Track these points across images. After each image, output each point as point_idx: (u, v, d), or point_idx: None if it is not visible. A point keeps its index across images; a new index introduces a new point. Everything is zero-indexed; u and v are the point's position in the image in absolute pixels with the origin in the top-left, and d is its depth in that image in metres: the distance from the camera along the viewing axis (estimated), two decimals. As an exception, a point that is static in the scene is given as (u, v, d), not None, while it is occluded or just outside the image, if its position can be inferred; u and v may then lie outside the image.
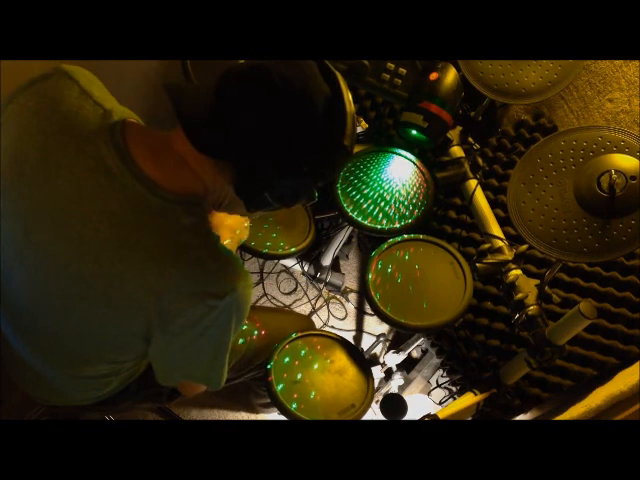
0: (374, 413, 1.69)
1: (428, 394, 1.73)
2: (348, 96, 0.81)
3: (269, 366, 1.33)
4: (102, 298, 0.82)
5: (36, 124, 0.81)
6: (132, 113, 0.87)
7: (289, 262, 1.91)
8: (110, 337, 0.88)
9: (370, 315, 2.00)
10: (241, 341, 1.29)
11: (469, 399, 1.39)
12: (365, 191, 1.49)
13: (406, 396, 1.57)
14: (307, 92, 0.77)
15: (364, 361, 1.44)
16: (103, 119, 0.81)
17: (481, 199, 1.45)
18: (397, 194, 1.48)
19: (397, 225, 1.44)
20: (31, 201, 0.81)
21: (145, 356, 0.92)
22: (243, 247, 1.42)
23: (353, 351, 1.44)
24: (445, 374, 1.68)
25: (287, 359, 1.36)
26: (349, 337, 1.96)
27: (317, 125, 0.78)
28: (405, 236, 1.43)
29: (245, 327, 1.32)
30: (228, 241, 1.15)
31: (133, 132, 0.81)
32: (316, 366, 1.38)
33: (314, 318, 1.97)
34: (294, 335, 1.40)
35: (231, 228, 1.18)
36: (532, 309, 1.22)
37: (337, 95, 0.80)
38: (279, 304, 1.99)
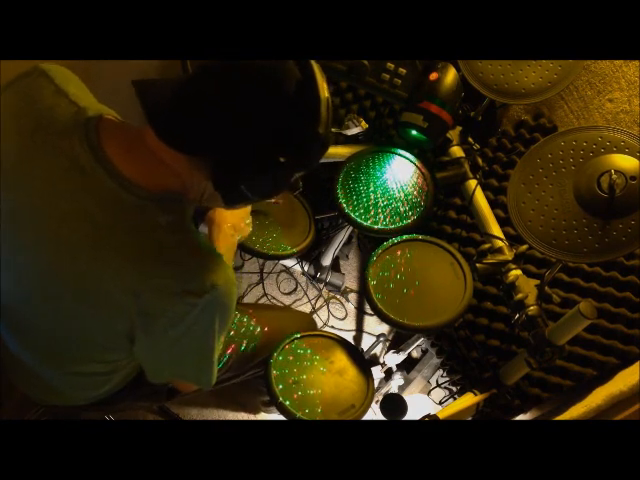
0: (374, 413, 1.69)
1: (428, 394, 1.73)
2: (322, 82, 0.79)
3: (269, 366, 1.33)
4: (82, 298, 0.81)
5: (13, 124, 0.81)
6: (110, 110, 0.86)
7: (289, 262, 1.91)
8: (95, 336, 0.87)
9: (370, 315, 2.00)
10: (245, 343, 1.29)
11: (469, 399, 1.39)
12: (365, 191, 1.49)
13: (406, 396, 1.57)
14: (276, 76, 0.75)
15: (364, 361, 1.44)
16: (77, 116, 0.80)
17: (481, 199, 1.45)
18: (397, 194, 1.48)
19: (397, 225, 1.43)
20: (12, 202, 0.81)
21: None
22: (243, 247, 1.42)
23: (353, 351, 1.44)
24: (445, 374, 1.68)
25: (287, 359, 1.36)
26: (349, 337, 1.96)
27: (288, 111, 0.76)
28: (405, 236, 1.43)
29: (247, 325, 1.33)
30: (233, 233, 1.16)
31: (108, 128, 0.80)
32: (316, 366, 1.37)
33: (314, 318, 1.96)
34: (294, 335, 1.40)
35: (233, 224, 1.18)
36: (532, 309, 1.22)
37: (309, 80, 0.78)
38: (279, 304, 1.99)
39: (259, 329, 1.33)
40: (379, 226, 1.44)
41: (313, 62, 0.79)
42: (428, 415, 1.30)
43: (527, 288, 1.26)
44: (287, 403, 1.28)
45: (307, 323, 1.56)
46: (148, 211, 0.79)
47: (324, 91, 0.79)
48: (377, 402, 1.62)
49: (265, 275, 2.01)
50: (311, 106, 0.78)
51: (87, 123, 0.80)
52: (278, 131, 0.77)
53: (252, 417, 1.80)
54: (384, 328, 1.93)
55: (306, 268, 1.88)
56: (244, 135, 0.76)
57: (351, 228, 1.76)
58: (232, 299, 0.86)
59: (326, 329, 1.95)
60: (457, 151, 1.50)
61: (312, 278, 1.90)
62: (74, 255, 0.79)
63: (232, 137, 0.76)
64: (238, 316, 1.33)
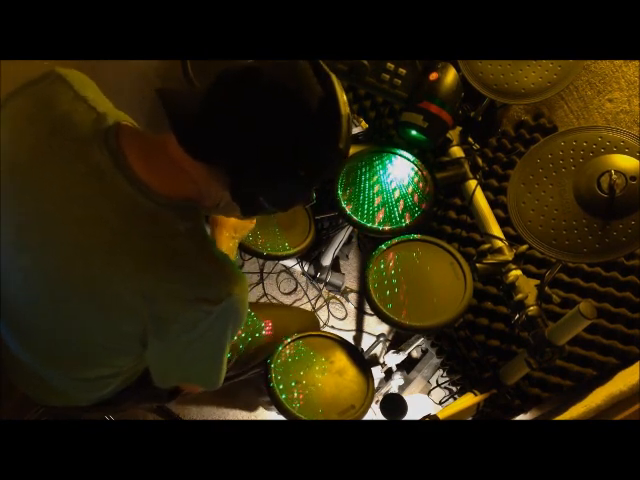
0: (374, 413, 1.69)
1: (428, 394, 1.73)
2: (343, 98, 0.80)
3: (270, 366, 1.33)
4: (93, 301, 0.81)
5: (29, 128, 0.81)
6: (127, 116, 0.86)
7: (289, 262, 1.91)
8: (95, 337, 0.87)
9: (370, 315, 2.00)
10: (248, 338, 1.29)
11: (469, 399, 1.39)
12: (365, 191, 1.49)
13: (406, 396, 1.57)
14: (299, 93, 0.76)
15: (364, 361, 1.44)
16: (96, 123, 0.80)
17: (481, 199, 1.45)
18: (397, 194, 1.48)
19: (397, 225, 1.44)
20: (23, 205, 0.81)
21: (143, 358, 0.92)
22: (243, 247, 1.42)
23: (353, 351, 1.44)
24: (445, 374, 1.68)
25: (287, 359, 1.36)
26: (349, 337, 1.96)
27: (310, 127, 0.77)
28: (405, 236, 1.43)
29: (250, 323, 1.33)
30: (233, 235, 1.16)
31: (127, 136, 0.81)
32: (316, 366, 1.38)
33: (314, 318, 1.97)
34: (294, 335, 1.40)
35: (235, 226, 1.18)
36: (532, 309, 1.22)
37: (331, 96, 0.78)
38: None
39: (262, 327, 1.33)
40: (379, 226, 1.44)
41: (333, 76, 0.80)
42: (428, 415, 1.30)
43: (527, 288, 1.26)
44: (287, 403, 1.28)
45: (310, 321, 1.56)
46: (166, 218, 0.80)
47: (345, 107, 0.80)
48: (377, 402, 1.62)
49: (265, 275, 2.01)
50: (332, 122, 0.79)
51: (107, 130, 0.80)
52: (299, 145, 0.77)
53: (252, 417, 1.80)
54: (384, 328, 1.93)
55: (306, 268, 1.88)
56: (261, 146, 0.76)
57: (351, 228, 1.76)
58: (246, 306, 0.87)
59: (326, 329, 1.95)
60: (457, 151, 1.50)
61: (312, 278, 1.90)
62: (87, 259, 0.79)
63: (250, 147, 0.76)
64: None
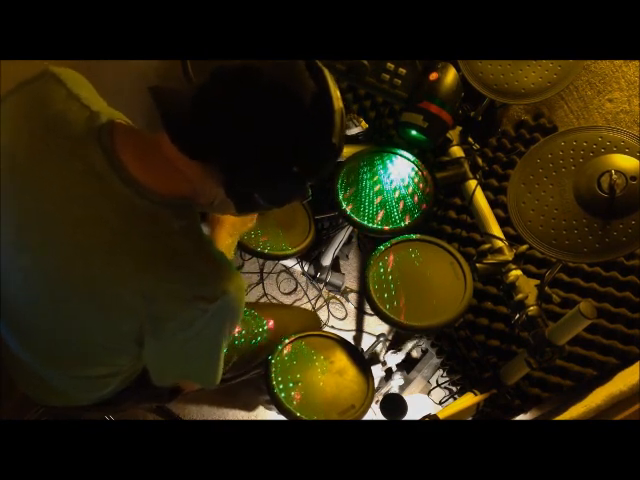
0: (374, 413, 1.69)
1: (428, 394, 1.73)
2: (336, 93, 0.79)
3: (270, 366, 1.33)
4: (93, 301, 0.81)
5: (25, 127, 0.81)
6: (121, 115, 0.86)
7: (289, 262, 1.91)
8: (95, 337, 0.87)
9: (370, 315, 2.00)
10: (249, 337, 1.29)
11: (469, 399, 1.39)
12: (365, 191, 1.49)
13: (406, 396, 1.57)
14: (292, 88, 0.75)
15: (364, 361, 1.44)
16: (90, 121, 0.80)
17: (481, 199, 1.45)
18: (397, 194, 1.48)
19: (397, 225, 1.44)
20: (22, 204, 0.81)
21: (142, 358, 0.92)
22: (243, 247, 1.42)
23: (353, 351, 1.44)
24: (445, 374, 1.68)
25: (287, 359, 1.36)
26: (349, 337, 1.96)
27: (303, 122, 0.77)
28: (405, 236, 1.43)
29: (251, 322, 1.33)
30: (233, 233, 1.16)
31: (121, 134, 0.80)
32: (316, 366, 1.38)
33: (314, 317, 1.96)
34: (295, 335, 1.40)
35: (234, 223, 1.18)
36: (532, 309, 1.22)
37: (324, 91, 0.78)
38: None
39: (263, 326, 1.33)
40: (379, 226, 1.44)
41: (326, 71, 0.79)
42: (428, 415, 1.30)
43: (527, 288, 1.26)
44: (287, 402, 1.28)
45: (311, 320, 1.56)
46: (162, 216, 0.80)
47: (338, 102, 0.80)
48: (377, 402, 1.62)
49: (265, 275, 2.01)
50: (326, 117, 0.78)
51: (101, 129, 0.79)
52: (293, 141, 0.77)
53: (252, 416, 1.80)
54: (384, 328, 1.93)
55: (306, 268, 1.88)
56: (255, 142, 0.76)
57: (351, 228, 1.76)
58: (242, 304, 0.87)
59: (326, 329, 1.95)
60: (457, 151, 1.50)
61: (312, 278, 1.90)
62: (87, 260, 0.79)
63: (243, 144, 0.76)
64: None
